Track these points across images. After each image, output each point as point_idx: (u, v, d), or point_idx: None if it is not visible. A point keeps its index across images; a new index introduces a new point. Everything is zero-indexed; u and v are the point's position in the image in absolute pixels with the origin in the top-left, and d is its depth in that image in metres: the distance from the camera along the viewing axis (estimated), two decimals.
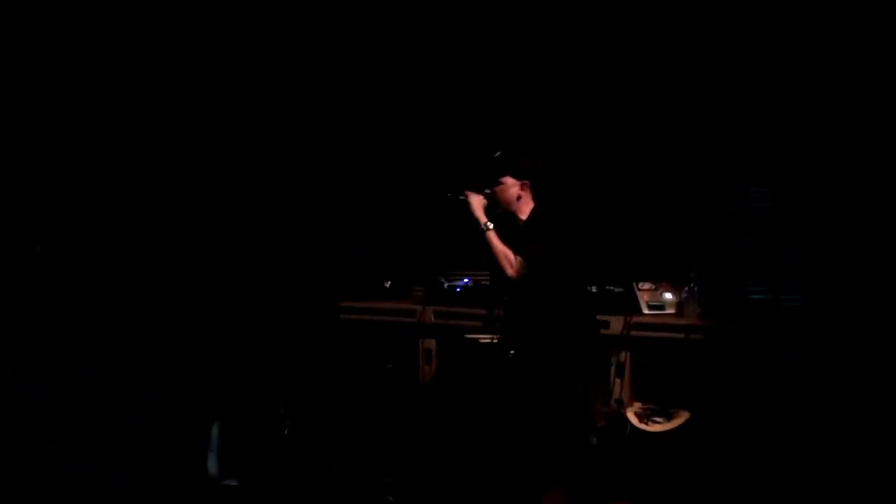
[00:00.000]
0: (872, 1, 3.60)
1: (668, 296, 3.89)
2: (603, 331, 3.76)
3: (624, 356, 3.86)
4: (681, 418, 3.59)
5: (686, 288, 3.84)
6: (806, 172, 3.99)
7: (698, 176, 4.20)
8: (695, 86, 4.13)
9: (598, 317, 3.53)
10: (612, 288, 3.99)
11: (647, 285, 3.97)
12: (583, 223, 3.24)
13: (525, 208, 3.16)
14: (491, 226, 3.09)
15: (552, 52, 4.26)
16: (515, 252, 3.04)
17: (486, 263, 3.31)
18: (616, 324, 3.74)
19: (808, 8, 3.75)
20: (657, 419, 3.60)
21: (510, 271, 3.02)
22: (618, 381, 3.86)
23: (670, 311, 3.84)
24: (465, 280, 4.28)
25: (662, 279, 4.00)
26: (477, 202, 3.16)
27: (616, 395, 3.87)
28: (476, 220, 3.13)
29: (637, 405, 3.80)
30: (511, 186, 3.13)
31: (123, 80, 4.15)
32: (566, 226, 3.13)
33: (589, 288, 3.99)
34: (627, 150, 4.28)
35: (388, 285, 4.44)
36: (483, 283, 4.11)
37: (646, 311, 3.83)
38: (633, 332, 3.73)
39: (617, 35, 4.14)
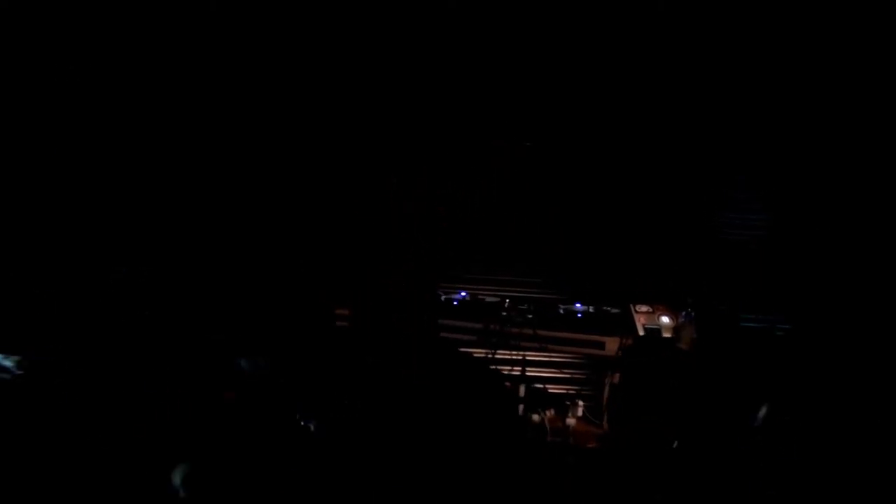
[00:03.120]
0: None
1: (665, 319, 3.90)
2: (597, 352, 3.78)
3: (617, 377, 3.87)
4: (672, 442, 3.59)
5: (683, 312, 3.84)
6: (802, 197, 4.02)
7: (697, 200, 4.23)
8: (696, 106, 4.15)
9: (594, 337, 3.65)
10: (608, 308, 4.00)
11: (643, 308, 3.97)
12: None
13: None
14: None
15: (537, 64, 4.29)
16: None
17: None
18: (611, 344, 3.74)
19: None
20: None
21: None
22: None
23: (666, 334, 3.84)
24: (463, 293, 4.27)
25: (659, 302, 4.01)
26: None
27: (607, 415, 3.87)
28: None
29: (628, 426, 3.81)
30: None
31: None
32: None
33: (585, 309, 4.01)
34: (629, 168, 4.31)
35: None
36: (480, 296, 4.11)
37: (641, 334, 3.83)
38: None
39: (613, 48, 4.17)
